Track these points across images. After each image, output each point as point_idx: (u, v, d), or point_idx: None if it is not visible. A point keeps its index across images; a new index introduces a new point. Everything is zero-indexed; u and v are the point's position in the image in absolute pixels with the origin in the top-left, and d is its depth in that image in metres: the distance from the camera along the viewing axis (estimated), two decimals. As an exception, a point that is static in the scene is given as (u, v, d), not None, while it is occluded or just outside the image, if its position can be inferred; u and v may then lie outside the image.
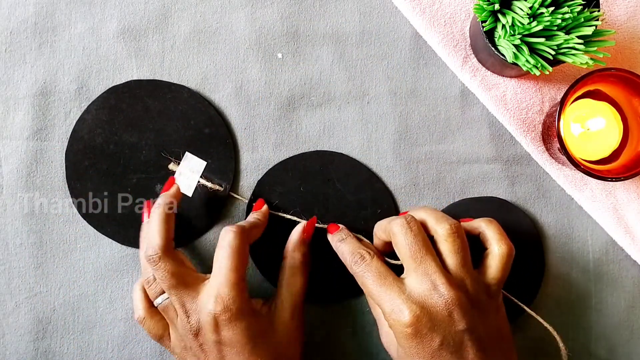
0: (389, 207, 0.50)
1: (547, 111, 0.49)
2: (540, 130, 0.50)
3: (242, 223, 0.46)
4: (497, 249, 0.43)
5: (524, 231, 0.49)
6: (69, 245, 0.50)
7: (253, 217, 0.47)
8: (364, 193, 0.50)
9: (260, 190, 0.50)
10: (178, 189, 0.47)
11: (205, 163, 0.49)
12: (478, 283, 0.42)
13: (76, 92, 0.50)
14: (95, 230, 0.49)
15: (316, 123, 0.50)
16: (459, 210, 0.50)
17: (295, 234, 0.48)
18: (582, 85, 0.45)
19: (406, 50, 0.50)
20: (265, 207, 0.48)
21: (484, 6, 0.43)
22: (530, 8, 0.43)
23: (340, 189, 0.49)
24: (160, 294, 0.45)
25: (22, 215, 0.49)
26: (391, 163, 0.50)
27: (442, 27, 0.50)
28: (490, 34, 0.45)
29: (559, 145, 0.44)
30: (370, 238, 0.48)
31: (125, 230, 0.49)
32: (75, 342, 0.49)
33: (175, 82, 0.50)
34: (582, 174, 0.45)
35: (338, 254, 0.45)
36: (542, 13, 0.43)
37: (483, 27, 0.44)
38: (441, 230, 0.42)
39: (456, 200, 0.50)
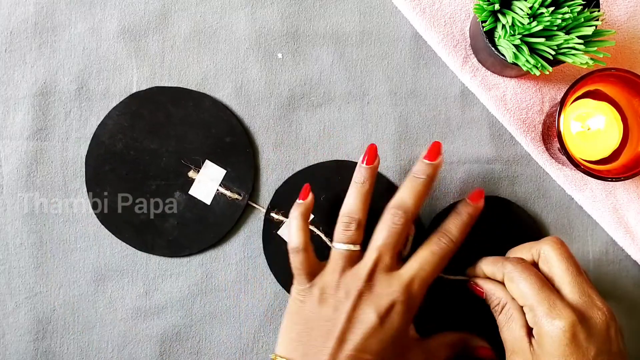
0: None
1: (547, 111, 0.49)
2: (540, 130, 0.50)
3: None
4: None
5: (527, 230, 0.49)
6: (69, 245, 0.50)
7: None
8: (383, 202, 0.48)
9: (279, 200, 0.49)
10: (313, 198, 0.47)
11: (224, 172, 0.49)
12: None
13: (76, 92, 0.50)
14: (95, 230, 0.49)
15: (316, 123, 0.50)
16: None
17: (473, 341, 0.47)
18: (582, 85, 0.45)
19: (406, 50, 0.50)
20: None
21: (484, 6, 0.43)
22: (530, 8, 0.43)
23: None
24: (354, 243, 0.44)
25: (22, 215, 0.49)
26: (391, 163, 0.50)
27: (442, 27, 0.50)
28: (490, 34, 0.45)
29: (559, 145, 0.44)
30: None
31: (142, 236, 0.49)
32: (75, 342, 0.49)
33: (175, 83, 0.50)
34: (582, 174, 0.45)
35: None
36: (542, 13, 0.43)
37: (483, 27, 0.44)
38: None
39: (457, 198, 0.50)
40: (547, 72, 0.43)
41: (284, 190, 0.50)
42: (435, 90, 0.50)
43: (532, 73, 0.43)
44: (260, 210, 0.50)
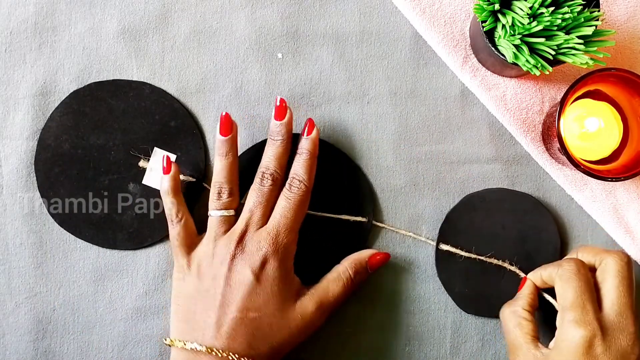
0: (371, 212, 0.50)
1: (547, 111, 0.49)
2: (540, 130, 0.50)
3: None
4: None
5: (549, 235, 0.49)
6: (69, 245, 0.50)
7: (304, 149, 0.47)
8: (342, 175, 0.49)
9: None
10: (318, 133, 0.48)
11: (175, 156, 0.50)
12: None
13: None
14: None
15: (316, 123, 0.50)
16: (494, 197, 0.49)
17: (364, 254, 0.48)
18: (582, 85, 0.45)
19: (406, 50, 0.50)
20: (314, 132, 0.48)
21: (484, 6, 0.43)
22: (530, 8, 0.43)
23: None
24: (227, 209, 0.46)
25: (22, 215, 0.49)
26: (391, 163, 0.50)
27: (442, 27, 0.50)
28: (490, 34, 0.45)
29: (559, 145, 0.44)
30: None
31: (103, 233, 0.49)
32: (75, 342, 0.49)
33: (175, 83, 0.50)
34: (582, 174, 0.45)
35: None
36: (542, 13, 0.43)
37: (483, 27, 0.44)
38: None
39: (458, 199, 0.50)
40: (547, 72, 0.43)
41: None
42: (435, 90, 0.50)
43: (532, 73, 0.43)
44: None
